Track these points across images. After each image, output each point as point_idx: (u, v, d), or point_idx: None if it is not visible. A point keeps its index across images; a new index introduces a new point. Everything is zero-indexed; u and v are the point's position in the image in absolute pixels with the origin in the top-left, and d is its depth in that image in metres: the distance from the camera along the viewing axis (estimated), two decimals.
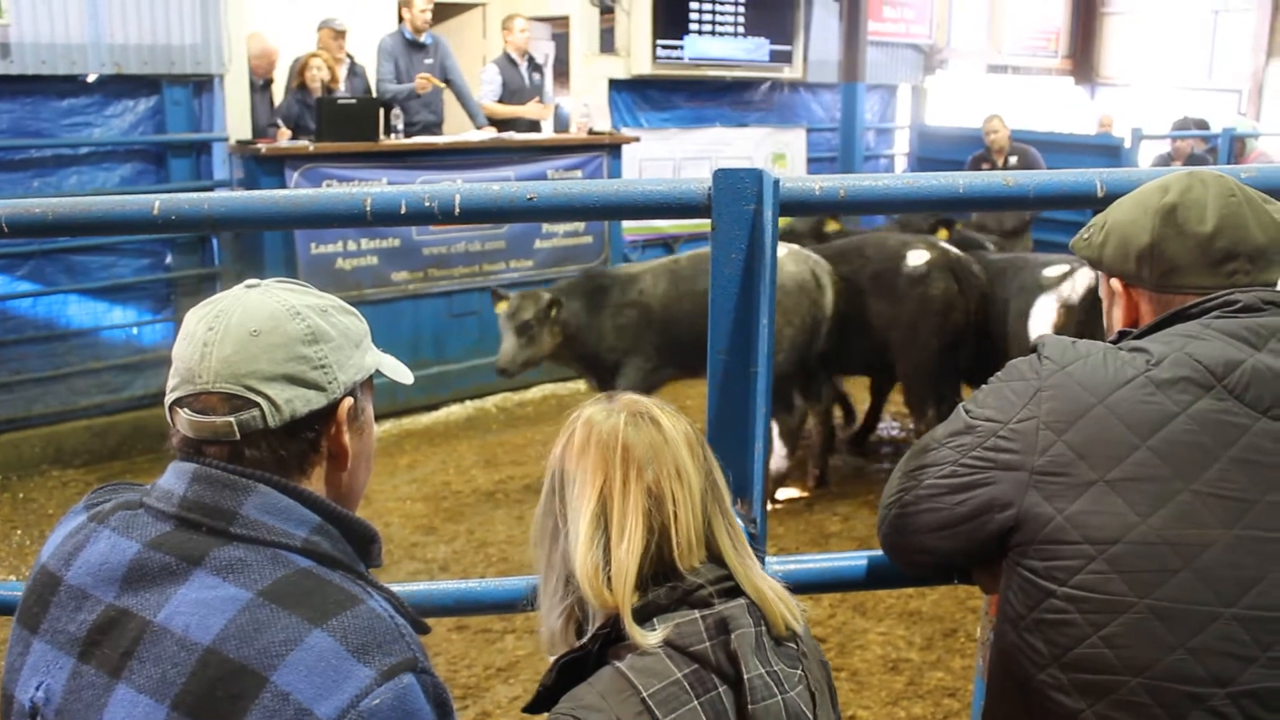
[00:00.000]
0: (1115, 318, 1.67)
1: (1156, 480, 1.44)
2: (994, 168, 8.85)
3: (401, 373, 1.49)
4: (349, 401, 1.31)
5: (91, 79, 6.51)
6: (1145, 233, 1.59)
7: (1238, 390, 1.45)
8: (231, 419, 1.24)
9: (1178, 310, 1.56)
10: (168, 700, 1.14)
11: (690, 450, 1.47)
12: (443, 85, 7.92)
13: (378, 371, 1.40)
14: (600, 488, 1.42)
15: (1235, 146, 9.25)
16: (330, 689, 1.12)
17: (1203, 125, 9.74)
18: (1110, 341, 1.61)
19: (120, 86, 6.65)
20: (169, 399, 1.28)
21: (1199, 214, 1.56)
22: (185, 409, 1.26)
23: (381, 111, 7.31)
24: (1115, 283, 1.65)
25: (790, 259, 5.85)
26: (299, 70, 7.36)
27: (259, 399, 1.24)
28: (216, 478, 1.24)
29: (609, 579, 1.39)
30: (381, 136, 7.23)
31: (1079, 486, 1.46)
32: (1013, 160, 8.90)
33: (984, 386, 1.63)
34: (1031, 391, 1.53)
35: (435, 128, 7.98)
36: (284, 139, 7.05)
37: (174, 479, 1.27)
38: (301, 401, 1.26)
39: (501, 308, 6.00)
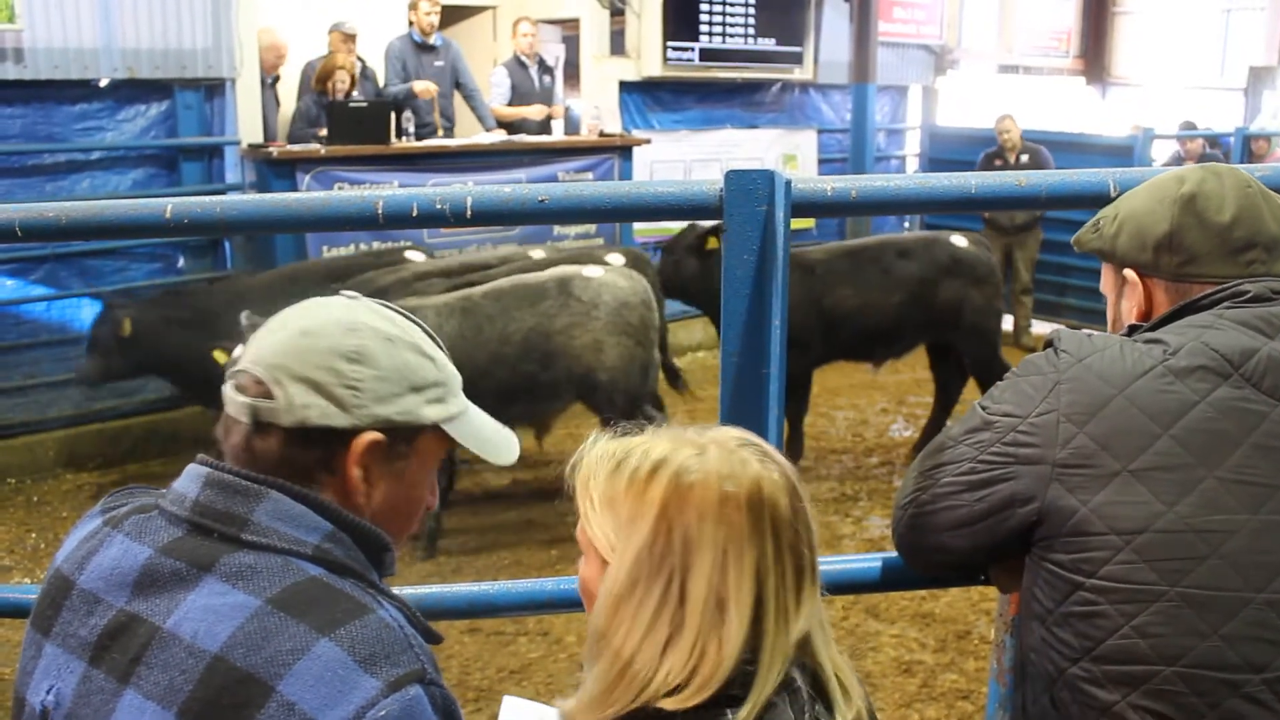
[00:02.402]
0: (1125, 309, 1.67)
1: (1180, 468, 1.44)
2: (1006, 165, 8.87)
3: (488, 446, 1.37)
4: (374, 436, 1.25)
5: (104, 83, 6.53)
6: (1164, 221, 1.59)
7: (1254, 378, 1.47)
8: (250, 401, 1.24)
9: (1189, 302, 1.57)
10: (174, 707, 1.13)
11: (802, 490, 1.25)
12: (433, 94, 7.85)
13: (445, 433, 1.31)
14: (755, 565, 1.17)
15: (1257, 146, 9.22)
16: (336, 699, 1.11)
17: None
18: (1122, 334, 1.60)
19: (132, 91, 6.67)
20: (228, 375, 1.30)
21: (1218, 204, 1.57)
22: (231, 383, 1.27)
23: (392, 115, 7.31)
24: (1129, 273, 1.65)
25: (620, 275, 5.52)
26: (322, 77, 7.31)
27: (279, 391, 1.23)
28: (229, 483, 1.24)
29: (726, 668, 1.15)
30: (392, 139, 7.24)
31: (1103, 477, 1.46)
32: (1024, 159, 8.92)
33: (1000, 383, 1.62)
34: (1050, 385, 1.53)
35: (446, 131, 7.98)
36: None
37: (187, 483, 1.26)
38: (317, 411, 1.23)
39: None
